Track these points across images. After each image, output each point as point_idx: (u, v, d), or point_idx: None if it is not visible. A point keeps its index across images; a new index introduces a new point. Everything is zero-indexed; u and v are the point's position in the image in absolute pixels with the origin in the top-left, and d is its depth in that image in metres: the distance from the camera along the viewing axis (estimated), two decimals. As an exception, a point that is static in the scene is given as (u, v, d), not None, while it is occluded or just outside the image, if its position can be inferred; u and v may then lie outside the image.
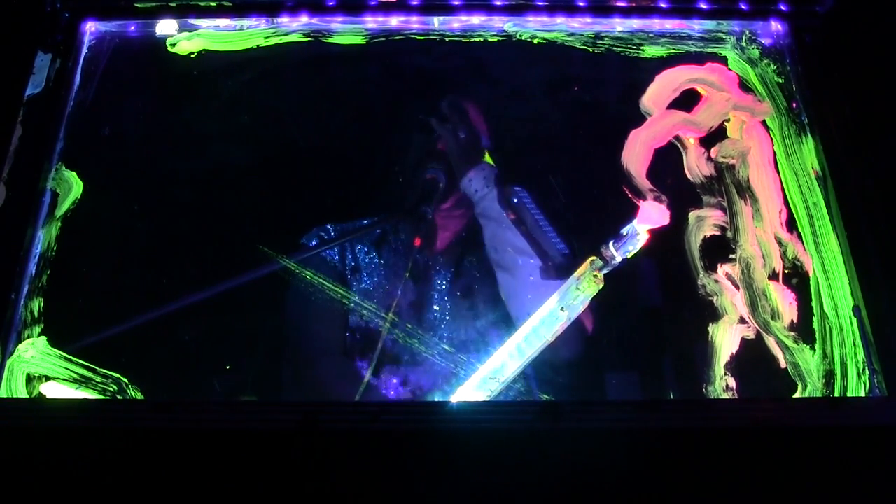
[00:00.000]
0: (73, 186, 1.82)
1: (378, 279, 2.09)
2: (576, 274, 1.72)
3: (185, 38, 2.01)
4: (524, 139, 2.31)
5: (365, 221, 2.14)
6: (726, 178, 1.88)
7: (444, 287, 2.07)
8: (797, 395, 1.67)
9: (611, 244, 1.71)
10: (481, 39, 2.04)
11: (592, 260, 1.72)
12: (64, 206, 1.80)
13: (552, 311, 1.70)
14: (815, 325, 1.72)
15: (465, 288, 2.08)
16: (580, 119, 2.24)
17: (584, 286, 1.69)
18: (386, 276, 2.08)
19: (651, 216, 1.72)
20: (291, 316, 2.08)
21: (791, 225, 1.82)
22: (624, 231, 1.72)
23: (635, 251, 1.72)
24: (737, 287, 1.78)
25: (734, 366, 1.72)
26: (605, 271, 1.72)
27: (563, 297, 1.70)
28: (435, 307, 2.05)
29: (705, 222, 1.85)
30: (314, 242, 2.10)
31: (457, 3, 2.01)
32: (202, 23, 2.02)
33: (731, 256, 1.81)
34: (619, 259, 1.72)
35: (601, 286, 1.71)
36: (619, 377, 2.05)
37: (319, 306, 2.03)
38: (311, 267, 2.00)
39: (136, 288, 2.04)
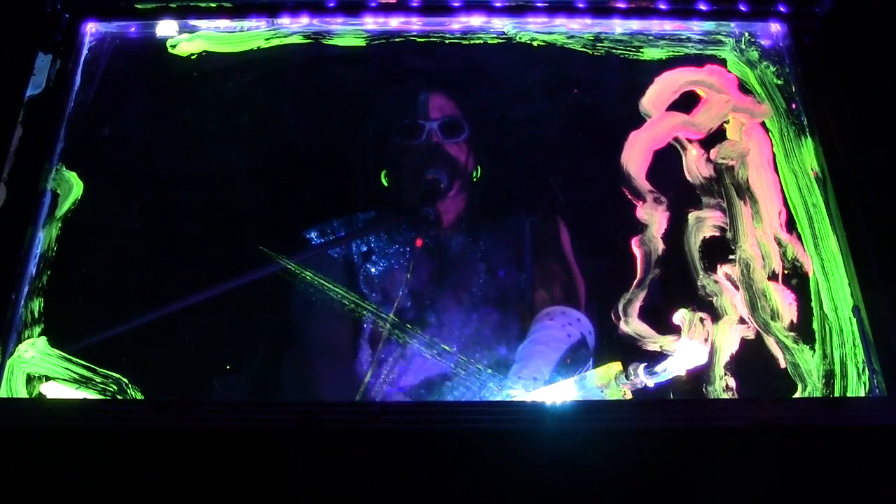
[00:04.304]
0: (73, 187, 1.82)
1: (387, 265, 2.07)
2: (598, 381, 1.64)
3: (186, 39, 2.01)
4: (524, 141, 2.31)
5: (360, 216, 2.15)
6: (726, 180, 1.88)
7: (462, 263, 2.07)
8: (797, 395, 1.67)
9: (641, 369, 1.61)
10: (481, 41, 2.04)
11: (619, 373, 1.62)
12: (64, 207, 1.80)
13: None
14: (815, 326, 1.72)
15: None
16: (580, 121, 2.25)
17: (608, 394, 1.62)
18: (395, 263, 2.07)
19: (689, 358, 1.62)
20: (299, 317, 2.07)
21: (791, 226, 1.82)
22: (658, 368, 1.61)
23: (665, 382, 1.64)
24: (736, 288, 1.78)
25: (734, 366, 1.72)
26: (631, 389, 1.63)
27: (580, 389, 1.65)
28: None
29: (705, 223, 1.85)
30: (314, 234, 2.11)
31: (457, 4, 2.02)
32: (202, 24, 2.02)
33: (731, 257, 1.81)
34: (648, 384, 1.62)
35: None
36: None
37: (330, 309, 2.03)
38: (315, 262, 1.98)
39: (136, 288, 2.04)
